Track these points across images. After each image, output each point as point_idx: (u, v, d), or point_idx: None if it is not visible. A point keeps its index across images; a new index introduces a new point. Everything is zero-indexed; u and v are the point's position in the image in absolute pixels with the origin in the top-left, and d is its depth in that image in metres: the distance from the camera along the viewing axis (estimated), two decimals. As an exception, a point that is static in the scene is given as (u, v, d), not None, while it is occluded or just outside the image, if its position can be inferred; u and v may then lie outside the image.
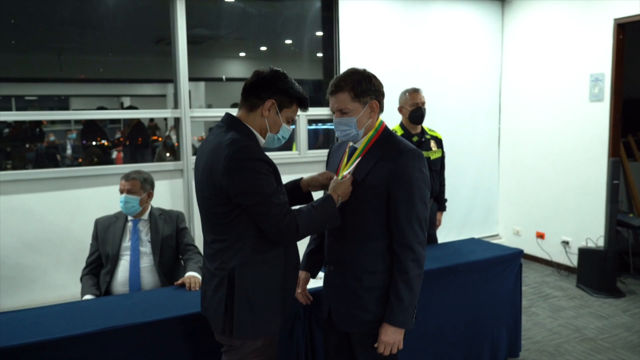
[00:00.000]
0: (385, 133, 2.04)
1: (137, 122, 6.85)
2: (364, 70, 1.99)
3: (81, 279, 2.96)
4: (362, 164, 1.99)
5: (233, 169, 1.76)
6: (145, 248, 2.95)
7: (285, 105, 1.92)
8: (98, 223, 3.02)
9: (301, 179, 2.17)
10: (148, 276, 2.90)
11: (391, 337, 1.93)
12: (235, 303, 1.86)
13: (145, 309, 2.32)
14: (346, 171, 2.02)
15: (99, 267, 2.97)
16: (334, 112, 2.01)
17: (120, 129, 8.43)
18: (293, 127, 1.94)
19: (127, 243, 2.95)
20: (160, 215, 3.03)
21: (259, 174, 1.78)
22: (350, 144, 2.09)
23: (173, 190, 4.36)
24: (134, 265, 2.89)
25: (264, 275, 1.88)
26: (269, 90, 1.89)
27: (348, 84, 1.95)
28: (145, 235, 2.97)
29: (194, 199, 4.24)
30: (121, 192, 2.93)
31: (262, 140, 1.94)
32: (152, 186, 3.03)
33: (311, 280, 2.35)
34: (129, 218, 2.99)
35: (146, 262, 2.92)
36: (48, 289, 3.88)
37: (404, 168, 1.90)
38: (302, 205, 1.93)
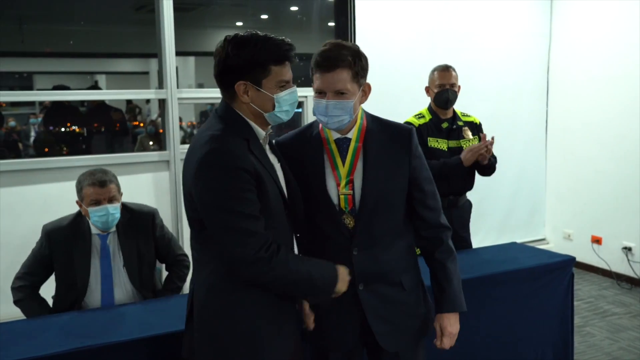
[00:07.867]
0: (370, 116, 2.11)
1: (102, 104, 6.79)
2: (355, 44, 2.01)
3: (19, 302, 2.72)
4: (371, 154, 2.01)
5: (201, 176, 1.72)
6: (119, 272, 2.75)
7: (260, 76, 1.77)
8: (50, 235, 2.73)
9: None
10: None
11: (455, 326, 2.11)
12: (196, 334, 1.85)
13: (122, 325, 2.35)
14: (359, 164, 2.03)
15: (39, 283, 2.78)
16: (321, 93, 1.95)
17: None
18: (294, 87, 1.85)
19: (95, 268, 2.71)
20: (128, 222, 2.78)
21: (231, 187, 1.70)
22: (334, 135, 2.03)
23: (157, 186, 4.39)
24: (107, 296, 2.71)
25: (233, 312, 1.79)
26: (231, 72, 1.76)
27: (348, 59, 1.89)
28: (116, 254, 2.76)
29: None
30: (97, 202, 2.63)
31: (260, 132, 1.85)
32: None
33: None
34: (93, 232, 2.73)
35: (121, 292, 2.74)
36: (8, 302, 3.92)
37: (415, 145, 2.05)
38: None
